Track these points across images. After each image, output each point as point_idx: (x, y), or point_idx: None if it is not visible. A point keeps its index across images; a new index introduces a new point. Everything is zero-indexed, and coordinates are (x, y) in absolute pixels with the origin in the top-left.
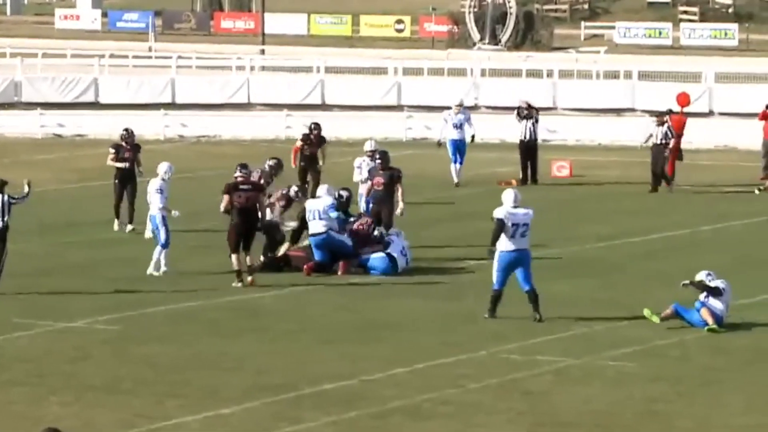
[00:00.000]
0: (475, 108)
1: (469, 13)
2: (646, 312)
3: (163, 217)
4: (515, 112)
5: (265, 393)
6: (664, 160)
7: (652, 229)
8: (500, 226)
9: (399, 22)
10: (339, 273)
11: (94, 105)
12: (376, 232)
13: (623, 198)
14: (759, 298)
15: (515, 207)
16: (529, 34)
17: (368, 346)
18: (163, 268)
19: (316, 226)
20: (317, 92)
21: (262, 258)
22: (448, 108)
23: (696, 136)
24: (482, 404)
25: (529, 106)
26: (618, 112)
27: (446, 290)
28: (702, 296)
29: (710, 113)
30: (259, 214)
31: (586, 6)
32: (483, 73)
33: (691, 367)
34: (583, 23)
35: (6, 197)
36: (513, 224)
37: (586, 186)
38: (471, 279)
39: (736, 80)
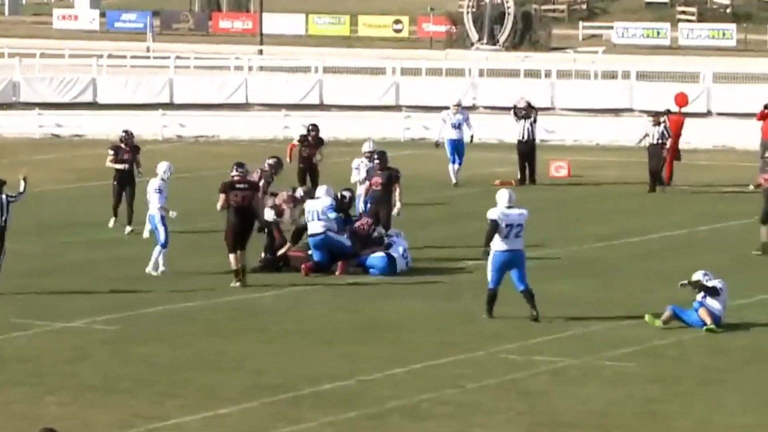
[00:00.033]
0: (473, 108)
1: (467, 13)
2: (648, 318)
3: (162, 217)
4: (512, 111)
5: (263, 393)
6: (661, 160)
7: (650, 229)
8: (494, 227)
9: (397, 22)
10: (337, 273)
11: (92, 105)
12: (375, 233)
13: (621, 198)
14: (757, 298)
15: (509, 207)
16: (527, 35)
17: (366, 347)
18: (161, 268)
19: (314, 227)
20: (315, 92)
21: (264, 254)
22: (447, 108)
23: (694, 137)
24: (481, 404)
25: (529, 106)
26: (616, 112)
27: (444, 290)
28: (699, 296)
29: (708, 113)
30: (260, 213)
31: (584, 6)
32: (481, 73)
33: (689, 367)
34: (581, 23)
35: (4, 197)
36: (507, 225)
37: (585, 186)
38: (469, 279)
39: (734, 80)
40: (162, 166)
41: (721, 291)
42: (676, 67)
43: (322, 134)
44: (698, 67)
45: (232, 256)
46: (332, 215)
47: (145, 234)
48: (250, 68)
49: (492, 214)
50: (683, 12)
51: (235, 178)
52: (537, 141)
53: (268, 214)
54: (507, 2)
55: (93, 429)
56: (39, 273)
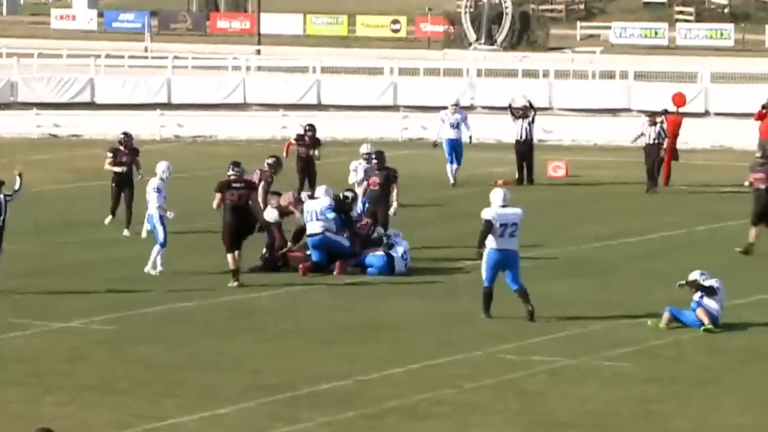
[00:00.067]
0: (471, 108)
1: (465, 13)
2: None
3: (161, 217)
4: (508, 110)
5: (261, 393)
6: (656, 160)
7: (648, 229)
8: (488, 227)
9: (395, 22)
10: (335, 273)
11: (90, 105)
12: (375, 234)
13: (619, 198)
14: (754, 297)
15: (504, 206)
16: (525, 35)
17: (364, 346)
18: (159, 268)
19: (313, 227)
20: (313, 92)
21: (264, 250)
22: (444, 108)
23: (692, 136)
24: (478, 404)
25: (530, 105)
26: (614, 112)
27: (442, 290)
28: (697, 296)
29: (706, 113)
30: (258, 212)
31: (582, 6)
32: (479, 73)
33: (686, 367)
34: (579, 23)
35: (2, 196)
36: (502, 224)
37: (582, 186)
38: (467, 279)
39: (731, 80)
40: (161, 166)
41: (718, 290)
42: (673, 67)
43: (320, 134)
44: (696, 67)
45: (229, 256)
46: (331, 215)
47: (143, 234)
48: (248, 68)
49: (486, 214)
50: (681, 12)
51: (232, 177)
52: (535, 141)
53: (271, 214)
54: (505, 2)
55: (90, 429)
56: (37, 273)
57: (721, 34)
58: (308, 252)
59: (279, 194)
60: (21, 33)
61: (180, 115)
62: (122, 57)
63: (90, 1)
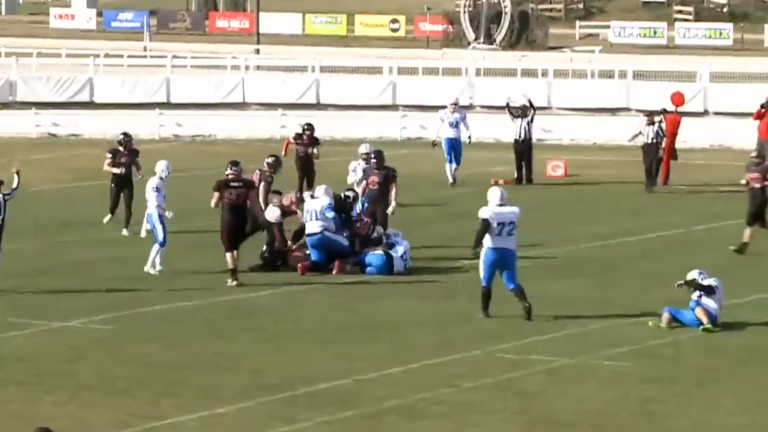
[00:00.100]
0: (470, 107)
1: (464, 12)
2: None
3: (160, 216)
4: (506, 108)
5: (260, 392)
6: (655, 159)
7: (647, 229)
8: (485, 226)
9: (394, 21)
10: (334, 272)
11: (89, 104)
12: (375, 234)
13: (618, 197)
14: (753, 297)
15: (501, 205)
16: (523, 34)
17: (363, 346)
18: (158, 267)
19: (312, 227)
20: (312, 92)
21: (264, 248)
22: (443, 107)
23: (691, 136)
24: (477, 404)
25: (530, 104)
26: (613, 111)
27: (441, 290)
28: (695, 296)
29: (705, 113)
30: (257, 211)
31: (581, 5)
32: (478, 72)
33: (685, 366)
34: (578, 23)
35: (1, 196)
36: (499, 223)
37: (581, 185)
38: (465, 279)
39: (730, 80)
40: (160, 165)
41: (717, 289)
42: (672, 67)
43: (319, 134)
44: (695, 67)
45: (228, 255)
46: (330, 215)
47: (143, 233)
48: (247, 67)
49: (483, 213)
50: (680, 11)
51: (230, 176)
52: (534, 140)
53: (274, 213)
54: (504, 1)
55: (90, 428)
56: (36, 272)
57: (720, 34)
58: (307, 251)
59: (280, 193)
60: (20, 32)
61: (179, 114)
62: (121, 56)
63: (89, 0)
